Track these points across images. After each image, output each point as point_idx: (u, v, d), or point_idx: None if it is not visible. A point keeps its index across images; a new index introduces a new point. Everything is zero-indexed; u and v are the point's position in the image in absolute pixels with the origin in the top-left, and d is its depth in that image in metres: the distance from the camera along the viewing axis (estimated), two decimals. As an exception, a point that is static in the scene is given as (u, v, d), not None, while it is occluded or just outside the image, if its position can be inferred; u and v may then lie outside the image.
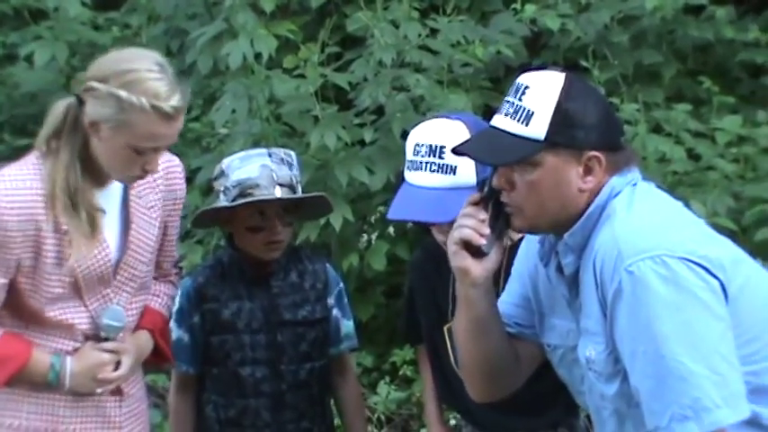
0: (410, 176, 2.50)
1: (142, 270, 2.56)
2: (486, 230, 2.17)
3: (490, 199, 2.18)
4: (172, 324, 2.81)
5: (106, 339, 2.54)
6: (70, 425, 2.53)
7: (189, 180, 4.77)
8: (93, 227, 2.45)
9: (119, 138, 2.38)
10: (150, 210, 2.56)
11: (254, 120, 4.39)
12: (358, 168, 4.19)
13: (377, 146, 4.29)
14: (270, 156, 2.75)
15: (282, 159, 2.76)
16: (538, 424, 2.60)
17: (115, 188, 2.52)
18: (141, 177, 2.47)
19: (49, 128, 2.43)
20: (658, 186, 2.25)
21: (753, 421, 2.07)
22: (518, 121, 2.11)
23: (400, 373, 4.37)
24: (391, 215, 2.53)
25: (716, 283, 2.04)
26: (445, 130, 2.48)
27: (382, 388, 4.35)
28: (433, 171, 2.45)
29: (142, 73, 2.36)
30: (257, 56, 4.42)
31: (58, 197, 2.41)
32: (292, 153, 2.82)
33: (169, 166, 2.62)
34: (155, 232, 2.57)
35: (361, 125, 4.33)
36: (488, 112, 4.37)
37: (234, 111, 4.41)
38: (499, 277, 2.39)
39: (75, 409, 2.53)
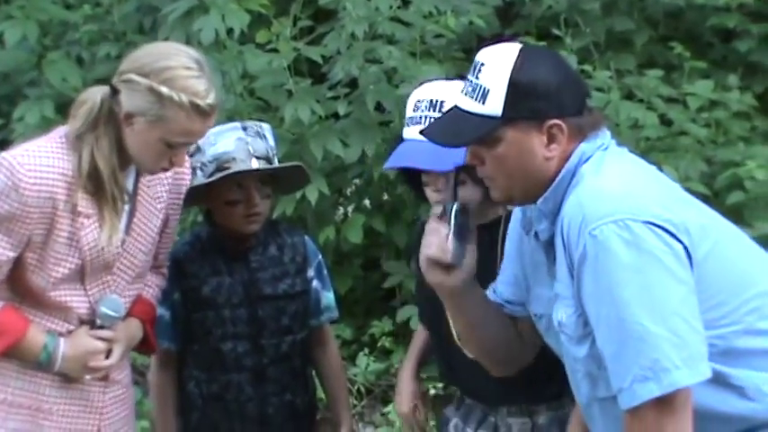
0: (408, 132, 2.53)
1: (141, 259, 2.58)
2: (449, 246, 2.22)
3: (451, 211, 2.24)
4: None
5: (101, 327, 2.55)
6: (54, 405, 2.54)
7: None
8: (116, 211, 2.48)
9: (154, 131, 2.41)
10: (156, 200, 2.59)
11: (228, 95, 4.38)
12: (332, 141, 4.19)
13: (351, 119, 4.30)
14: (244, 129, 2.76)
15: (257, 132, 2.76)
16: (541, 395, 2.60)
17: (130, 177, 2.55)
18: (166, 170, 2.50)
19: (86, 116, 2.45)
20: (631, 151, 2.27)
21: (721, 381, 2.10)
22: (475, 99, 2.15)
23: (379, 344, 4.40)
24: (389, 164, 2.54)
25: (679, 246, 2.06)
26: (445, 87, 2.52)
27: (361, 360, 4.37)
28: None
29: (182, 70, 2.39)
30: (229, 31, 4.41)
31: (85, 181, 2.44)
32: (266, 125, 2.82)
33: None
34: (157, 223, 2.60)
35: (335, 98, 4.33)
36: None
37: (207, 86, 4.39)
38: (495, 258, 2.46)
39: (60, 389, 2.54)
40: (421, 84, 2.60)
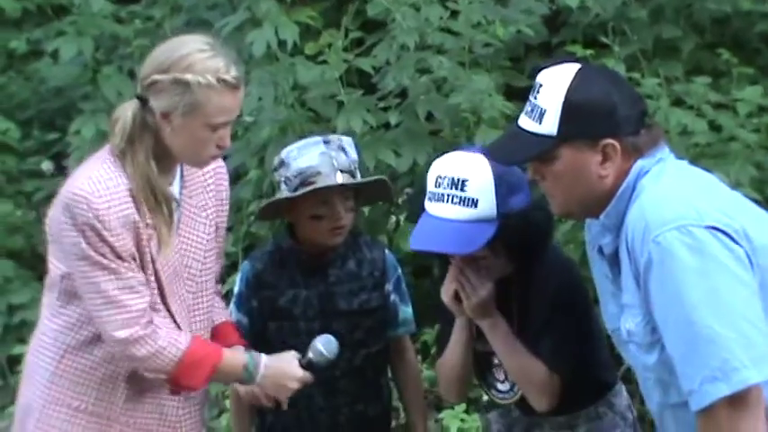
0: (431, 207, 2.56)
1: (197, 268, 2.61)
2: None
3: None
4: (231, 307, 2.88)
5: (310, 361, 2.63)
6: (130, 417, 2.60)
7: (216, 168, 4.88)
8: (172, 219, 2.54)
9: (193, 120, 2.46)
10: (200, 209, 2.62)
11: (280, 107, 4.44)
12: (384, 151, 4.24)
13: (402, 128, 4.34)
14: (326, 143, 2.79)
15: (339, 146, 2.79)
16: (581, 404, 2.69)
17: (174, 190, 2.59)
18: (216, 157, 2.55)
19: (121, 133, 2.50)
20: (690, 162, 2.32)
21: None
22: (534, 119, 2.24)
23: (432, 351, 4.43)
24: (414, 246, 2.60)
25: (741, 250, 2.11)
26: (467, 164, 2.55)
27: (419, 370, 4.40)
28: (455, 203, 2.51)
29: (197, 54, 2.45)
30: (280, 43, 4.47)
31: (142, 194, 2.49)
32: (349, 139, 2.85)
33: (217, 166, 2.68)
34: (207, 231, 2.62)
35: (386, 108, 4.38)
36: (509, 92, 4.43)
37: (260, 99, 4.46)
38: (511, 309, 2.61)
39: (137, 403, 2.60)
40: (442, 154, 2.64)
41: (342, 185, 2.75)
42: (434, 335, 4.48)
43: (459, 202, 2.52)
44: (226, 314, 2.78)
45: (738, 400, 2.07)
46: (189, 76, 2.43)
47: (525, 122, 2.26)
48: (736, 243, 2.12)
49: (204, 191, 2.63)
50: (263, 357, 2.61)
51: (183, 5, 5.32)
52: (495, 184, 2.49)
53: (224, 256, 4.34)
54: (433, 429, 4.34)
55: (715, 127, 4.26)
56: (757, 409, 2.08)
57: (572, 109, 2.19)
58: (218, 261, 2.74)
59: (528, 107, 2.26)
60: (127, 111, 2.51)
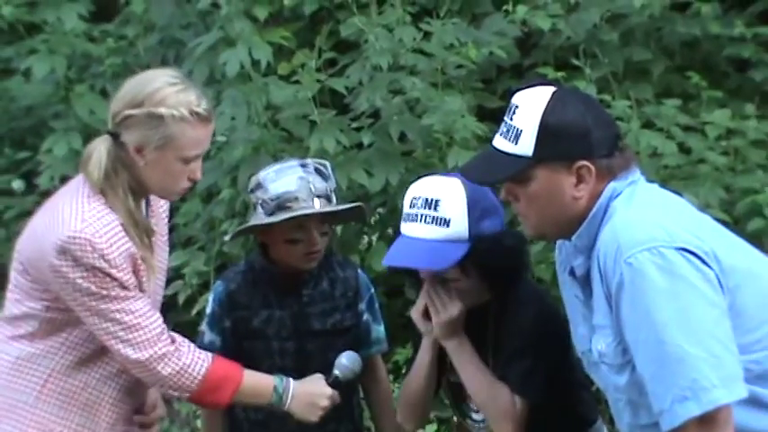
0: (405, 228, 2.63)
1: (160, 294, 2.66)
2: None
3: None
4: (204, 327, 2.89)
5: (336, 377, 2.67)
6: None
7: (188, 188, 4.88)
8: (153, 247, 2.57)
9: (167, 154, 2.49)
10: (162, 236, 2.68)
11: (253, 126, 4.45)
12: (357, 171, 4.25)
13: (375, 149, 4.35)
14: (303, 167, 2.80)
15: (317, 170, 2.81)
16: None
17: None
18: (186, 189, 2.58)
19: (98, 169, 2.52)
20: (661, 185, 2.35)
21: (759, 402, 2.16)
22: (509, 140, 2.26)
23: (403, 371, 4.43)
24: (387, 261, 2.66)
25: (711, 272, 2.15)
26: (442, 186, 2.61)
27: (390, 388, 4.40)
28: (428, 223, 2.58)
29: (169, 88, 2.49)
30: (254, 63, 4.48)
31: (129, 227, 2.52)
32: (327, 163, 2.87)
33: None
34: (166, 257, 2.69)
35: (359, 129, 4.40)
36: (481, 114, 4.46)
37: (233, 118, 4.47)
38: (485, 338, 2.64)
39: (118, 427, 2.61)
40: (419, 178, 2.71)
41: (319, 213, 2.76)
42: (406, 355, 4.51)
43: (432, 222, 2.56)
44: None
45: (708, 421, 2.09)
46: (163, 110, 2.46)
47: (500, 143, 2.28)
48: (707, 265, 2.15)
49: (160, 219, 2.68)
50: (291, 380, 2.64)
51: (156, 25, 5.32)
52: (469, 206, 2.53)
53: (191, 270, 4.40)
54: (404, 449, 4.35)
55: (684, 149, 4.30)
56: (726, 429, 2.10)
57: (548, 130, 2.21)
58: None
59: (503, 128, 2.28)
60: (100, 146, 2.53)
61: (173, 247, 4.50)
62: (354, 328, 2.88)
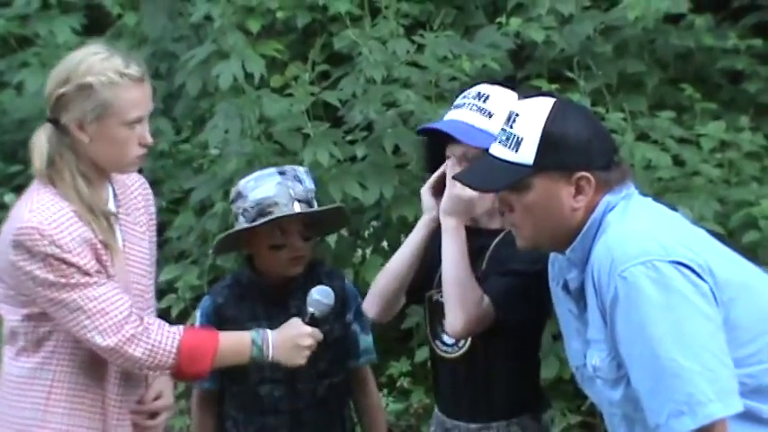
0: (448, 115, 2.67)
1: (144, 284, 2.63)
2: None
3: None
4: None
5: (312, 315, 2.62)
6: None
7: (181, 201, 4.87)
8: (113, 231, 2.53)
9: (107, 122, 2.46)
10: (137, 226, 2.64)
11: (246, 139, 4.44)
12: (351, 184, 4.24)
13: (368, 161, 4.35)
14: (282, 174, 2.81)
15: (295, 176, 2.81)
16: (492, 413, 2.68)
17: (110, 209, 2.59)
18: (141, 159, 2.54)
19: (41, 158, 2.50)
20: (655, 200, 2.34)
21: (754, 416, 2.15)
22: (509, 147, 2.23)
23: (398, 384, 4.42)
24: (425, 126, 2.70)
25: (705, 285, 2.13)
26: (497, 88, 2.66)
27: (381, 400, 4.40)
28: (473, 110, 2.61)
29: (93, 57, 2.48)
30: (247, 76, 4.47)
31: (82, 212, 2.49)
32: (301, 168, 2.88)
33: (141, 183, 2.72)
34: (146, 246, 2.65)
35: (352, 142, 4.39)
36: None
37: (227, 131, 4.46)
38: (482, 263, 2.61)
39: (124, 426, 2.59)
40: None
41: (299, 214, 2.75)
42: (400, 368, 4.50)
43: (478, 111, 2.61)
44: None
45: (704, 435, 2.07)
46: (90, 78, 2.44)
47: (499, 151, 2.25)
48: (701, 278, 2.14)
49: (136, 208, 2.65)
50: (268, 330, 2.60)
51: (149, 37, 5.31)
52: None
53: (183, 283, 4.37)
54: (398, 463, 4.33)
55: (679, 162, 4.30)
56: (723, 444, 2.09)
57: (550, 139, 2.20)
58: (154, 278, 2.75)
59: (502, 136, 2.26)
60: (40, 135, 2.52)
61: (165, 260, 4.51)
62: (342, 339, 2.88)
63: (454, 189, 2.54)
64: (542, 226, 2.24)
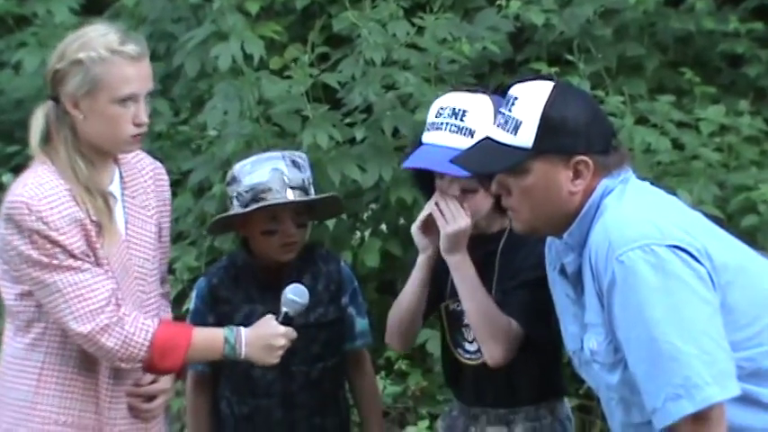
0: (428, 137, 2.60)
1: (148, 267, 2.61)
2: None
3: None
4: (188, 324, 2.86)
5: (286, 314, 2.61)
6: (114, 426, 2.58)
7: (179, 182, 4.86)
8: (110, 212, 2.52)
9: (98, 98, 2.45)
10: (144, 209, 2.62)
11: (245, 121, 4.43)
12: (350, 167, 4.23)
13: (367, 144, 4.34)
14: (278, 159, 2.79)
15: (293, 162, 2.80)
16: (518, 401, 2.68)
17: (114, 190, 2.58)
18: (137, 139, 2.52)
19: (37, 134, 2.50)
20: (652, 183, 2.34)
21: (752, 400, 2.15)
22: (508, 131, 2.23)
23: (395, 367, 4.43)
24: (407, 164, 2.63)
25: (702, 269, 2.13)
26: (470, 98, 2.59)
27: (378, 382, 4.39)
28: (453, 132, 2.55)
29: (91, 34, 2.48)
30: (246, 57, 4.46)
31: (77, 190, 2.48)
32: (303, 155, 2.87)
33: (155, 168, 2.70)
34: (152, 230, 2.63)
35: (351, 124, 4.38)
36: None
37: (226, 113, 4.44)
38: (493, 269, 2.60)
39: (120, 410, 2.58)
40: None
41: (292, 202, 2.75)
42: (398, 352, 4.50)
43: (457, 131, 2.54)
44: (169, 317, 2.76)
45: (701, 418, 2.08)
46: (82, 54, 2.44)
47: (497, 134, 2.25)
48: (698, 262, 2.13)
49: (144, 192, 2.63)
50: (242, 328, 2.59)
51: (148, 18, 5.29)
52: (495, 118, 2.43)
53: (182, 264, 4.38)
54: (396, 445, 4.34)
55: (678, 145, 4.29)
56: (720, 427, 2.09)
57: (549, 122, 2.19)
58: (164, 262, 2.74)
59: (500, 119, 2.25)
60: (39, 113, 2.52)
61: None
62: (338, 322, 2.87)
63: (447, 228, 2.53)
64: (540, 210, 2.23)
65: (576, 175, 2.21)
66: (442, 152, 2.50)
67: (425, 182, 2.65)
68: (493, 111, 2.51)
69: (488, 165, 2.27)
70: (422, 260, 2.64)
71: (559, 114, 2.20)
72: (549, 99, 2.21)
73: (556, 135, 2.20)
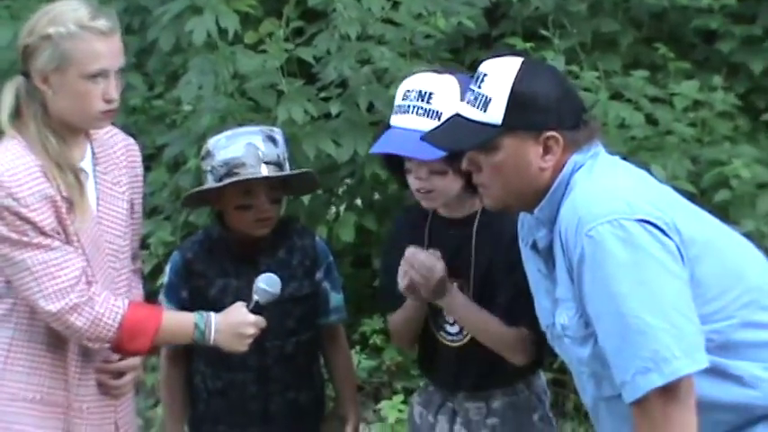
0: (396, 120, 2.59)
1: (119, 244, 2.61)
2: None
3: None
4: (161, 297, 2.87)
5: (257, 303, 2.62)
6: (83, 402, 2.58)
7: (154, 157, 4.85)
8: (82, 188, 2.50)
9: (67, 73, 2.44)
10: (116, 185, 2.62)
11: (219, 96, 4.42)
12: (325, 141, 4.23)
13: (342, 118, 4.34)
14: (253, 134, 2.79)
15: (269, 136, 2.79)
16: (495, 381, 2.71)
17: (86, 166, 2.57)
18: (108, 115, 2.51)
19: (7, 109, 2.48)
20: (624, 158, 2.35)
21: (720, 372, 2.17)
22: (477, 107, 2.23)
23: (370, 342, 4.44)
24: (375, 149, 2.62)
25: (671, 243, 2.14)
26: (436, 80, 2.58)
27: (353, 357, 4.41)
28: (420, 114, 2.54)
29: (60, 8, 2.46)
30: (221, 32, 4.44)
31: (47, 166, 2.46)
32: (279, 130, 2.85)
33: (128, 143, 2.70)
34: (124, 206, 2.62)
35: (326, 99, 4.38)
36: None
37: (200, 87, 4.43)
38: (470, 251, 2.62)
39: (89, 387, 2.58)
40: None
41: (264, 178, 2.75)
42: (373, 326, 4.52)
43: (424, 114, 2.53)
44: (140, 293, 2.77)
45: (670, 391, 2.10)
46: (51, 29, 2.42)
47: (467, 110, 2.25)
48: (667, 236, 2.15)
49: (117, 167, 2.62)
50: (212, 314, 2.60)
51: (122, -9, 5.25)
52: (461, 100, 2.43)
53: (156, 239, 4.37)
54: (371, 419, 4.36)
55: (652, 120, 4.31)
56: (689, 400, 2.11)
57: (518, 99, 2.20)
58: (136, 239, 2.73)
59: (470, 96, 2.25)
60: (9, 87, 2.50)
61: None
62: (312, 297, 2.87)
63: (426, 285, 2.54)
64: (510, 186, 2.24)
65: (546, 150, 2.22)
66: (410, 135, 2.50)
67: (395, 164, 2.65)
68: (459, 92, 2.50)
69: (458, 142, 2.27)
70: (415, 304, 2.67)
71: (529, 90, 2.21)
72: (517, 75, 2.21)
73: (525, 111, 2.20)
